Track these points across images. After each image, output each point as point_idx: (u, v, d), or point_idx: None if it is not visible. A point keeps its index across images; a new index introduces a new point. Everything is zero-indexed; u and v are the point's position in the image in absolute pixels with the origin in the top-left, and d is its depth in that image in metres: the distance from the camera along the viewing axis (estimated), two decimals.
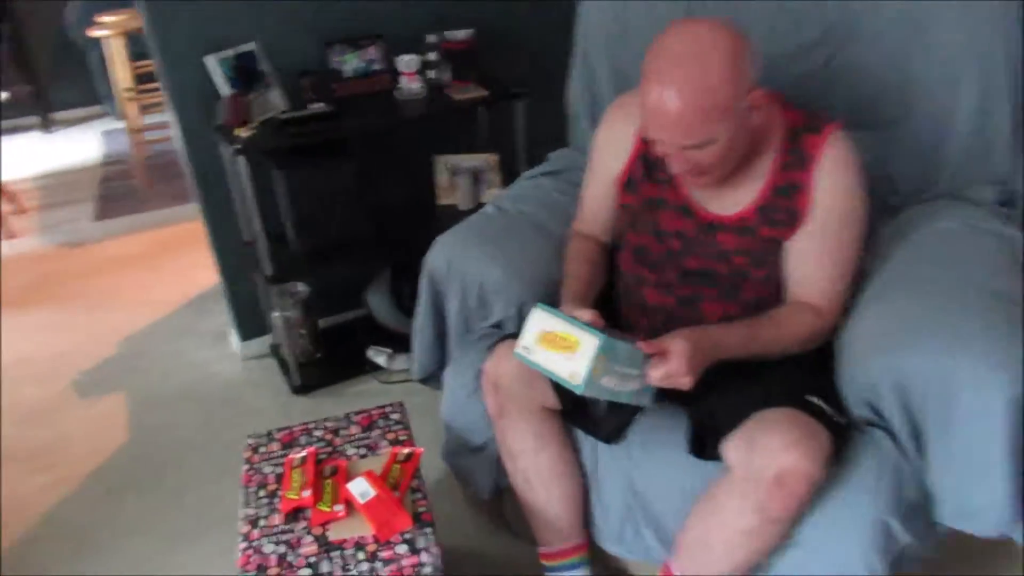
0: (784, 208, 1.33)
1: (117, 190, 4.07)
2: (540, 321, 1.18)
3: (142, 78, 4.05)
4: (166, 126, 4.22)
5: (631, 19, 1.83)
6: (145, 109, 4.12)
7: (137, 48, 3.90)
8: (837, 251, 1.34)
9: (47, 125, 5.09)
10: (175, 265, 3.22)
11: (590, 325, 1.16)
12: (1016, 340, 1.19)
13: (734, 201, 1.36)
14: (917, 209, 1.61)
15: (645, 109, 1.22)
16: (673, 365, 1.20)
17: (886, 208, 1.65)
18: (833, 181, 1.31)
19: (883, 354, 1.27)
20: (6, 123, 5.06)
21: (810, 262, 1.35)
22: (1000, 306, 1.27)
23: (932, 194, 1.63)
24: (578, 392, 1.15)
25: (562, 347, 1.15)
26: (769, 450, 1.17)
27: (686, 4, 1.75)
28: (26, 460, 2.18)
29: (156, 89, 4.12)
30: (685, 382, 1.21)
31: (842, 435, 1.25)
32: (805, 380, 1.32)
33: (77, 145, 4.81)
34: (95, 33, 3.77)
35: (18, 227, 3.69)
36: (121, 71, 3.85)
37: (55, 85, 5.10)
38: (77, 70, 5.04)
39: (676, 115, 1.18)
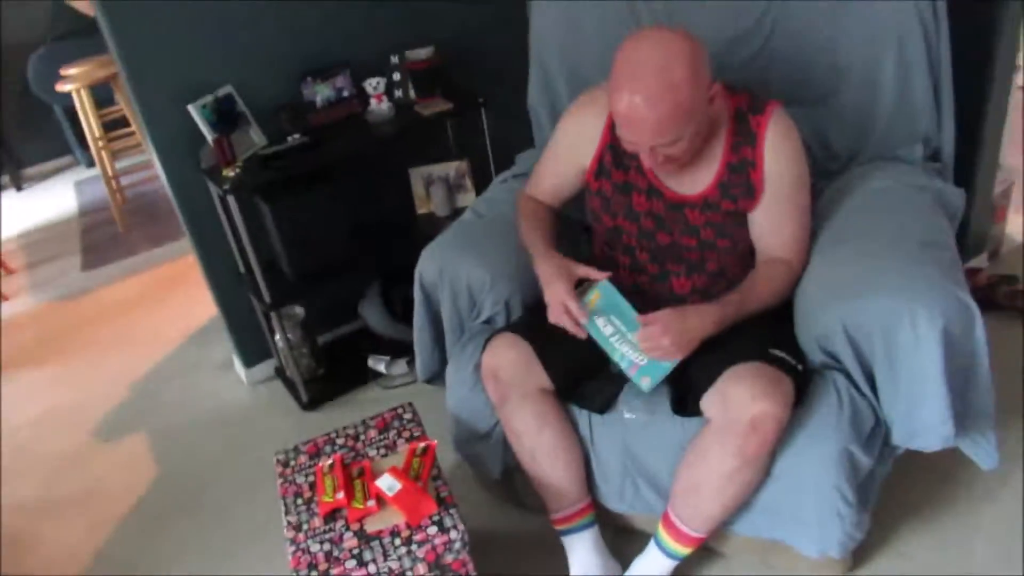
0: (740, 184, 1.50)
1: (100, 239, 4.15)
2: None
3: (109, 125, 4.14)
4: (138, 169, 4.33)
5: (580, 19, 1.97)
6: (115, 155, 4.21)
7: (100, 95, 4.00)
8: (794, 211, 1.53)
9: (18, 183, 5.15)
10: (171, 304, 3.34)
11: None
12: (943, 281, 1.36)
13: (696, 181, 1.53)
14: (854, 172, 1.78)
15: (618, 116, 1.38)
16: (653, 329, 1.39)
17: (827, 173, 1.83)
18: (780, 153, 1.48)
19: (832, 304, 1.44)
20: None
21: (774, 226, 1.53)
22: (929, 253, 1.45)
23: (867, 157, 1.81)
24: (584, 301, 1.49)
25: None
26: (741, 401, 1.35)
27: (629, 4, 1.90)
28: (65, 509, 2.30)
29: (126, 134, 4.22)
30: (666, 345, 1.39)
31: (804, 380, 1.43)
32: (768, 335, 1.49)
33: (51, 199, 4.88)
34: (63, 87, 3.84)
35: (8, 289, 3.78)
36: (90, 121, 3.93)
37: (22, 141, 5.16)
38: (42, 124, 5.10)
39: (648, 121, 1.33)
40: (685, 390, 1.50)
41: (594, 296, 1.52)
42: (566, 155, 1.68)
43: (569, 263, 1.55)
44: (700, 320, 1.43)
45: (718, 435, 1.40)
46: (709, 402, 1.43)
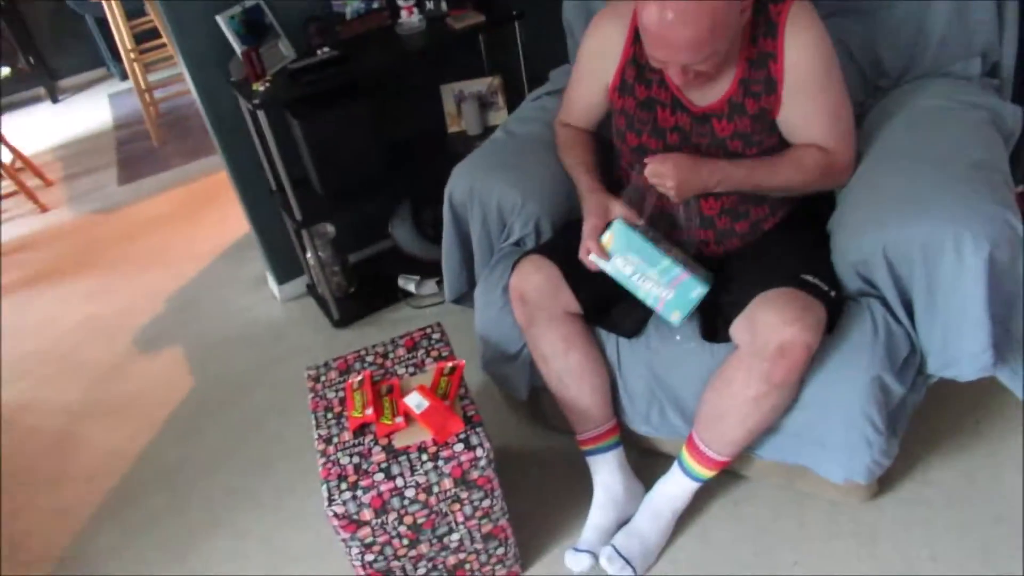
0: (761, 79, 1.42)
1: (135, 152, 4.18)
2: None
3: (141, 37, 4.11)
4: (172, 82, 4.31)
5: None
6: (148, 67, 4.18)
7: (131, 5, 3.95)
8: (827, 103, 1.44)
9: (54, 95, 5.17)
10: (205, 219, 3.37)
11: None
12: (992, 204, 1.30)
13: (718, 86, 1.45)
14: (904, 88, 1.69)
15: (647, 33, 1.30)
16: (664, 168, 1.39)
17: (875, 90, 1.74)
18: (801, 42, 1.39)
19: (872, 229, 1.39)
20: (14, 98, 5.15)
21: (807, 122, 1.44)
22: (979, 175, 1.38)
23: (919, 73, 1.71)
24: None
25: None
26: (770, 326, 1.32)
27: None
28: (109, 415, 2.39)
29: (158, 46, 4.18)
30: (670, 187, 1.39)
31: (837, 307, 1.40)
32: (801, 261, 1.45)
33: (86, 112, 4.90)
34: None
35: (48, 200, 3.84)
36: (121, 32, 3.90)
37: (56, 53, 5.15)
38: (76, 35, 5.08)
39: (682, 39, 1.26)
40: (715, 316, 1.48)
41: (608, 236, 1.47)
42: (590, 74, 1.62)
43: (610, 200, 1.50)
44: (707, 170, 1.42)
45: (745, 360, 1.38)
46: (738, 327, 1.40)
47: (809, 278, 1.39)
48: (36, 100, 5.20)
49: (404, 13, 2.30)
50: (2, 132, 3.75)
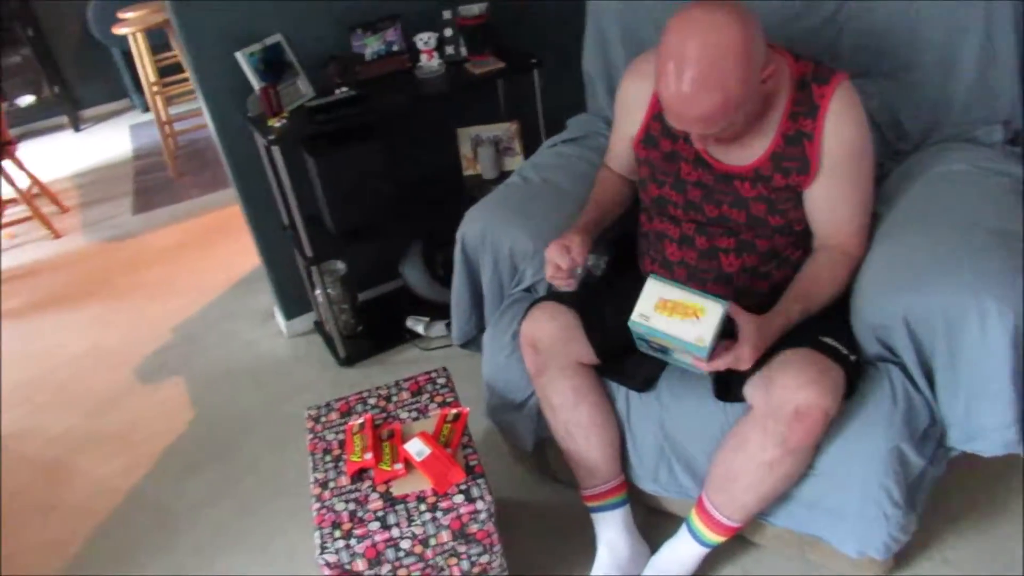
0: (796, 156, 1.40)
1: (151, 183, 4.21)
2: (657, 290, 1.31)
3: (165, 71, 4.17)
4: (191, 116, 4.36)
5: None
6: (169, 100, 4.24)
7: (157, 40, 4.02)
8: (854, 192, 1.43)
9: (76, 123, 5.24)
10: (216, 251, 3.37)
11: (706, 291, 1.31)
12: (1017, 275, 1.26)
13: (748, 151, 1.44)
14: (925, 152, 1.67)
15: (663, 102, 1.30)
16: (743, 357, 1.30)
17: (896, 154, 1.72)
18: (842, 127, 1.38)
19: (893, 293, 1.35)
20: (36, 125, 5.23)
21: (831, 205, 1.43)
22: (1003, 242, 1.34)
23: (940, 137, 1.69)
24: (702, 355, 1.28)
25: (684, 313, 1.29)
26: (788, 388, 1.28)
27: None
28: (104, 444, 2.35)
29: (180, 80, 4.24)
30: (745, 365, 1.32)
31: (856, 371, 1.36)
32: (819, 322, 1.41)
33: (107, 141, 4.96)
34: (120, 30, 3.87)
35: (61, 227, 3.86)
36: (145, 66, 3.96)
37: (81, 83, 5.24)
38: (101, 66, 5.18)
39: (693, 113, 1.26)
40: (729, 374, 1.43)
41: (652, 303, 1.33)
42: (620, 125, 1.64)
43: (576, 238, 1.50)
44: (773, 333, 1.35)
45: (760, 422, 1.34)
46: (753, 388, 1.36)
47: (828, 340, 1.35)
48: (59, 128, 5.27)
49: (424, 57, 2.31)
50: (21, 159, 3.78)
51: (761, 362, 1.35)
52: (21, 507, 2.17)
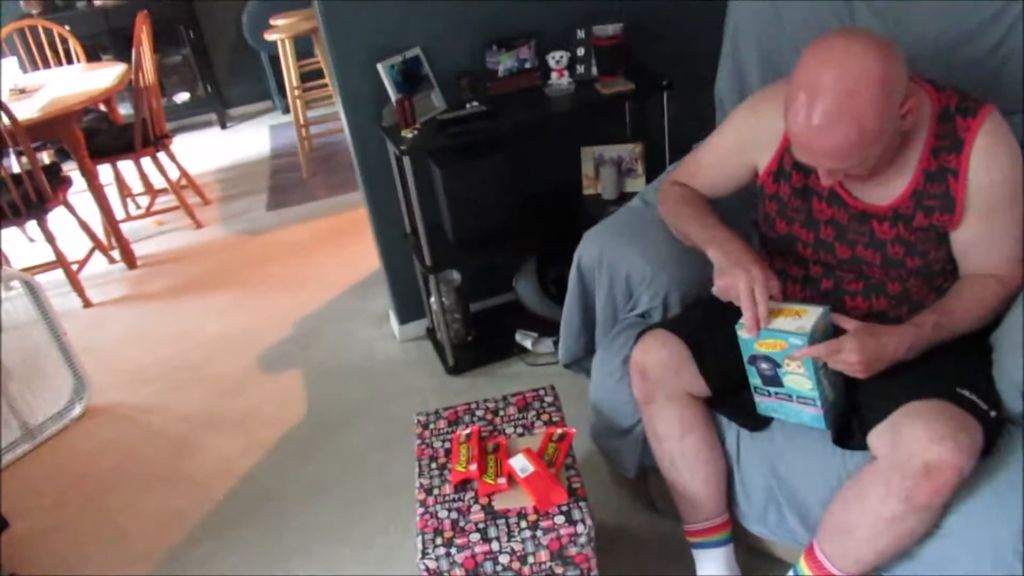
0: (939, 194, 1.32)
1: (285, 182, 4.44)
2: None
3: (305, 76, 4.40)
4: (327, 120, 4.58)
5: (784, 14, 1.83)
6: (308, 104, 4.47)
7: (300, 47, 4.24)
8: (1006, 228, 1.32)
9: (223, 121, 5.61)
10: (340, 252, 3.51)
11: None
12: None
13: (886, 189, 1.36)
14: None
15: (792, 135, 1.25)
16: (847, 346, 1.25)
17: None
18: (991, 162, 1.29)
19: None
20: (188, 121, 5.63)
21: (983, 244, 1.34)
22: None
23: None
24: (803, 342, 1.29)
25: (787, 315, 1.34)
26: (917, 441, 1.20)
27: (847, 3, 1.73)
28: (228, 426, 2.50)
29: (319, 85, 4.46)
30: (854, 363, 1.25)
31: (995, 428, 1.26)
32: (958, 371, 1.32)
33: (249, 140, 5.28)
34: (271, 36, 4.11)
35: (203, 217, 4.13)
36: (290, 70, 4.18)
37: (230, 85, 5.62)
38: (249, 69, 5.54)
39: (828, 147, 1.20)
40: (851, 418, 1.37)
41: (818, 328, 1.31)
42: (738, 149, 1.55)
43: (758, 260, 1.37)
44: (896, 342, 1.27)
45: (884, 475, 1.26)
46: (878, 436, 1.28)
47: (966, 393, 1.26)
48: (208, 125, 5.65)
49: (555, 75, 2.34)
50: (174, 152, 4.08)
51: (888, 409, 1.27)
52: (151, 475, 2.34)
